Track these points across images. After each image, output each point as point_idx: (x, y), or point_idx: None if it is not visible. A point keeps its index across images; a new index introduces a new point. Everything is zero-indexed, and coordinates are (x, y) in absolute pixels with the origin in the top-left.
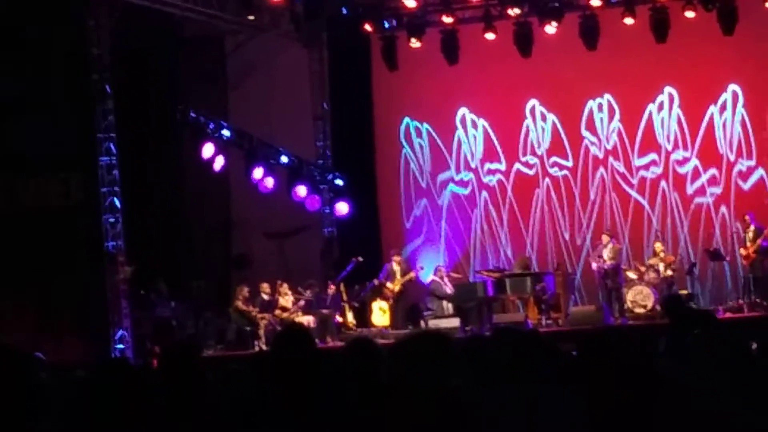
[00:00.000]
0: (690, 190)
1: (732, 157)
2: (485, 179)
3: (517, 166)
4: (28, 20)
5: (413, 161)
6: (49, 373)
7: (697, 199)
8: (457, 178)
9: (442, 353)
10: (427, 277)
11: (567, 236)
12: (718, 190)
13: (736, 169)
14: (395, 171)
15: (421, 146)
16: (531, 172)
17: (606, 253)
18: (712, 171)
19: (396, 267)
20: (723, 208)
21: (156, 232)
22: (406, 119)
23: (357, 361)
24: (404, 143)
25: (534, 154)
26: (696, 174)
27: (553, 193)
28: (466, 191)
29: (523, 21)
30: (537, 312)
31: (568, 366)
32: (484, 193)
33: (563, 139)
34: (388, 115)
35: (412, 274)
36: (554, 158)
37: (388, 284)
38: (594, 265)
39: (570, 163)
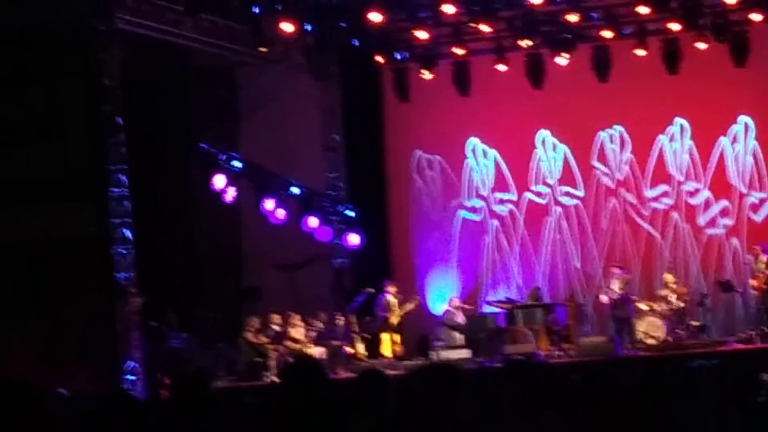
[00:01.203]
0: (701, 221)
1: (744, 189)
2: (496, 208)
3: (528, 195)
4: (40, 52)
5: (425, 193)
6: (68, 407)
7: (709, 231)
8: (468, 205)
9: (452, 386)
10: (440, 307)
11: (578, 266)
12: (729, 221)
13: (747, 201)
14: (406, 202)
15: (432, 178)
16: (542, 201)
17: (616, 285)
18: (724, 203)
19: (392, 299)
20: (735, 240)
21: (167, 264)
22: (418, 152)
23: (367, 392)
24: (416, 176)
25: (545, 183)
26: (707, 205)
27: (564, 223)
28: (477, 218)
29: (535, 52)
30: (548, 343)
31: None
32: (495, 222)
33: (574, 169)
34: (400, 146)
35: (409, 305)
36: (565, 188)
37: (388, 316)
38: (604, 298)
39: (581, 193)
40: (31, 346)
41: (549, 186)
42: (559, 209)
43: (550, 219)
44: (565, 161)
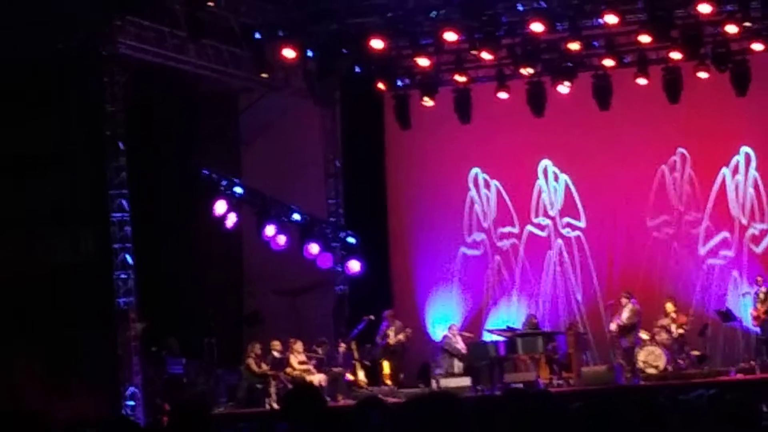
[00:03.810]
0: (702, 251)
1: (744, 221)
2: (498, 243)
3: (529, 228)
4: (42, 77)
5: (426, 222)
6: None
7: (710, 260)
8: (468, 240)
9: (451, 414)
10: (440, 333)
11: (579, 297)
12: (730, 253)
13: (748, 233)
14: (407, 229)
15: (434, 207)
16: (544, 234)
17: (625, 314)
18: (725, 234)
19: (389, 330)
20: (735, 272)
21: (167, 289)
22: (420, 181)
23: (366, 420)
24: (417, 205)
25: (546, 215)
26: (708, 236)
27: (565, 255)
28: (478, 253)
29: (536, 80)
30: (548, 371)
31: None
32: (498, 257)
33: (576, 199)
34: (401, 173)
35: (401, 336)
36: (567, 219)
37: (388, 343)
38: (612, 326)
39: (582, 224)
40: (33, 371)
41: (550, 218)
42: (560, 242)
43: (552, 253)
44: (567, 191)
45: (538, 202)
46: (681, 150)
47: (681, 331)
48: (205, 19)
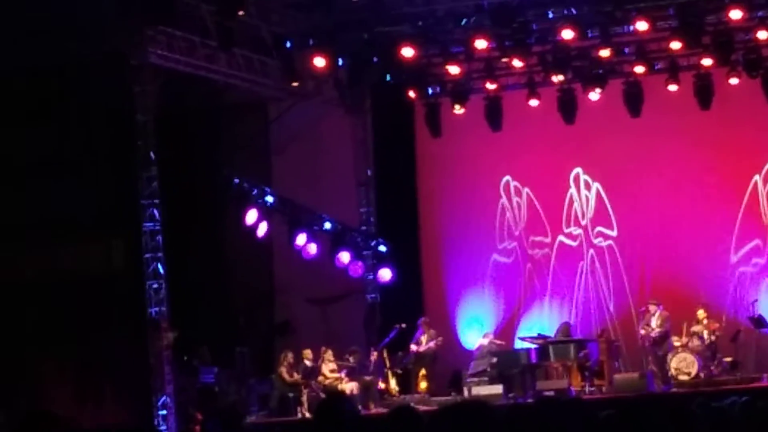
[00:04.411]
0: (734, 258)
1: None
2: (530, 251)
3: (561, 238)
4: (74, 86)
5: (457, 231)
6: None
7: (741, 268)
8: (500, 247)
9: (483, 422)
10: (473, 341)
11: (611, 305)
12: (762, 260)
13: None
14: (438, 238)
15: (466, 216)
16: (575, 244)
17: (654, 321)
18: (756, 241)
19: (424, 336)
20: (767, 279)
21: (199, 299)
22: (451, 189)
23: (398, 429)
24: (449, 213)
25: (578, 224)
26: (739, 242)
27: (597, 264)
28: (510, 260)
29: (567, 87)
30: (580, 379)
31: None
32: (528, 265)
33: (608, 207)
34: (432, 181)
35: (432, 344)
36: (599, 228)
37: (420, 351)
38: (641, 333)
39: (614, 233)
40: (65, 381)
41: (582, 227)
42: (592, 251)
43: (584, 264)
44: (599, 199)
45: (569, 212)
46: (711, 156)
47: (713, 337)
48: (235, 29)
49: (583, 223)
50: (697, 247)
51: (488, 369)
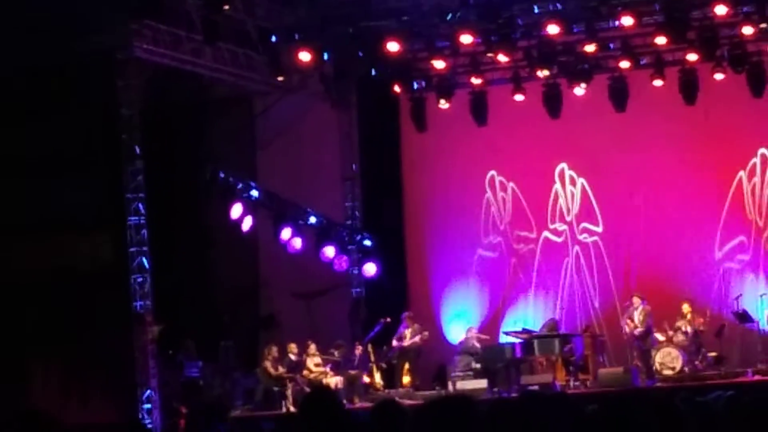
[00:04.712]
0: (718, 254)
1: (761, 223)
2: (515, 246)
3: (546, 234)
4: (58, 81)
5: (442, 226)
6: None
7: (726, 264)
8: (485, 242)
9: (467, 416)
10: (457, 336)
11: (596, 300)
12: (746, 257)
13: (765, 235)
14: (423, 232)
15: (450, 211)
16: (560, 240)
17: (637, 316)
18: (741, 237)
19: (407, 330)
20: (752, 275)
21: (184, 293)
22: (437, 184)
23: (382, 423)
24: (434, 208)
25: (563, 220)
26: (724, 239)
27: (582, 260)
28: (495, 255)
29: (552, 82)
30: (565, 373)
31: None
32: (513, 260)
33: (593, 203)
34: (417, 176)
35: (417, 339)
36: (584, 224)
37: (404, 346)
38: (625, 328)
39: (600, 229)
40: (50, 374)
41: (567, 223)
42: (577, 248)
43: (569, 260)
44: (584, 195)
45: (554, 207)
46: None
47: (698, 332)
48: (221, 23)
49: (568, 219)
50: (682, 243)
51: (471, 366)
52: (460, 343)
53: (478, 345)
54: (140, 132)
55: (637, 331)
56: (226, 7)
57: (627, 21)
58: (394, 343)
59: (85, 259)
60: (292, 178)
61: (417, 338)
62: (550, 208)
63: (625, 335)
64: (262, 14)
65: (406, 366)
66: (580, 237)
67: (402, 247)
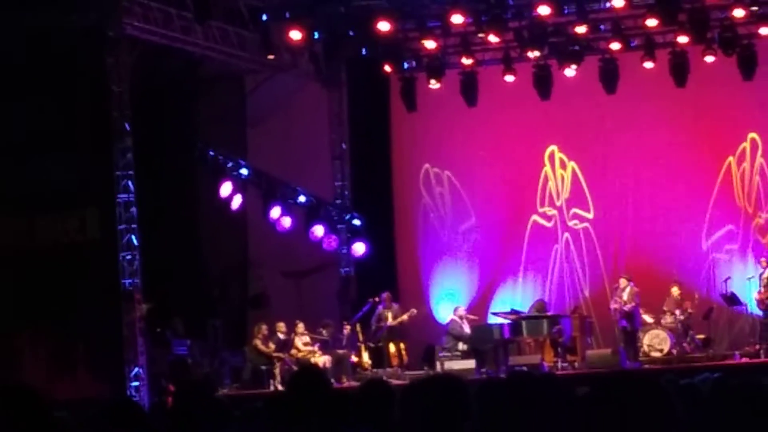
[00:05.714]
0: (707, 242)
1: (750, 209)
2: (504, 227)
3: (534, 218)
4: (48, 57)
5: (432, 207)
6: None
7: (714, 255)
8: (474, 221)
9: (455, 397)
10: (446, 316)
11: (586, 282)
12: (735, 246)
13: (754, 223)
14: (412, 212)
15: (441, 194)
16: (549, 225)
17: (625, 296)
18: (729, 226)
19: (386, 311)
20: (740, 258)
21: (173, 270)
22: (426, 165)
23: (370, 402)
24: (423, 191)
25: (553, 204)
26: (713, 224)
27: (572, 247)
28: (483, 235)
29: (543, 63)
30: (553, 354)
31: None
32: (502, 240)
33: (584, 187)
34: (407, 155)
35: (404, 316)
36: (574, 210)
37: (383, 326)
38: (612, 306)
39: (590, 215)
40: (38, 351)
41: (557, 208)
42: (567, 235)
43: (558, 246)
44: (574, 178)
45: (544, 190)
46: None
47: (686, 315)
48: (211, 1)
49: (558, 203)
50: (672, 227)
51: (458, 348)
52: (448, 322)
53: (466, 328)
54: (130, 109)
55: (627, 307)
56: None
57: (618, 2)
58: (374, 324)
59: (74, 237)
60: (281, 157)
61: (405, 316)
62: (539, 191)
63: (613, 314)
64: None
65: (394, 346)
66: (570, 223)
67: (391, 226)
